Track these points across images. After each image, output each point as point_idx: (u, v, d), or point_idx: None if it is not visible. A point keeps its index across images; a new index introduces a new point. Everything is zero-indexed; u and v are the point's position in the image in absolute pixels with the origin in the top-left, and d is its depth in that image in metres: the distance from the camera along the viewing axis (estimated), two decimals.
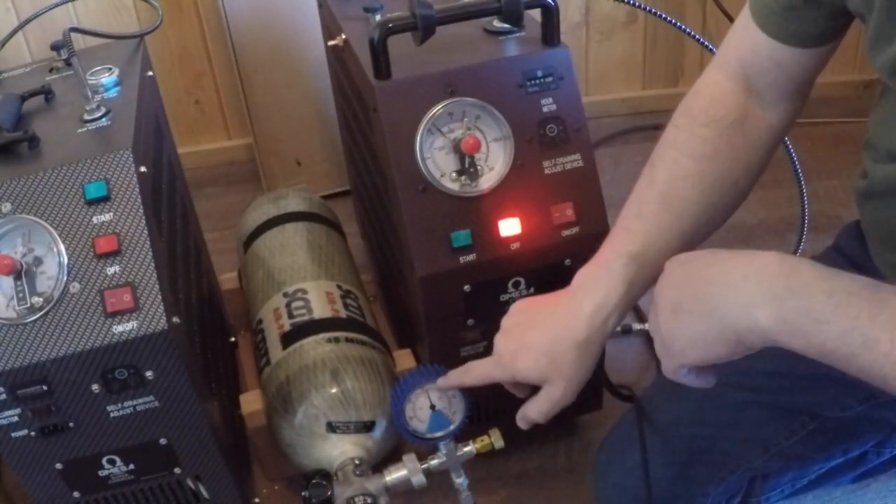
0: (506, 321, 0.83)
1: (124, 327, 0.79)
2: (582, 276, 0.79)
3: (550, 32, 0.98)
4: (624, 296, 0.76)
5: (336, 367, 1.04)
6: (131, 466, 0.90)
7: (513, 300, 1.02)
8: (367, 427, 1.02)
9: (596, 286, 0.77)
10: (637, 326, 1.40)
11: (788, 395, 0.83)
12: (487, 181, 0.97)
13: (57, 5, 1.19)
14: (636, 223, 0.78)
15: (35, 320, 0.79)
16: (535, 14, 0.99)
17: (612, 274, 0.76)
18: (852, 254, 0.85)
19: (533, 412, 0.80)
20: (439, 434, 0.92)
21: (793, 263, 0.58)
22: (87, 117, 0.90)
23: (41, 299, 0.79)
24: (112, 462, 0.89)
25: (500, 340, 0.82)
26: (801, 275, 0.57)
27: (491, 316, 1.03)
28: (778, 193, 1.69)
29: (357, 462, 0.97)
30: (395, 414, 0.92)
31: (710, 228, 0.80)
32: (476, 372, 0.86)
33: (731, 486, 0.89)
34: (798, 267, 0.58)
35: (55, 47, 1.01)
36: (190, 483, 0.94)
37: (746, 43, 0.77)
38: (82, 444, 0.86)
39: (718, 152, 0.78)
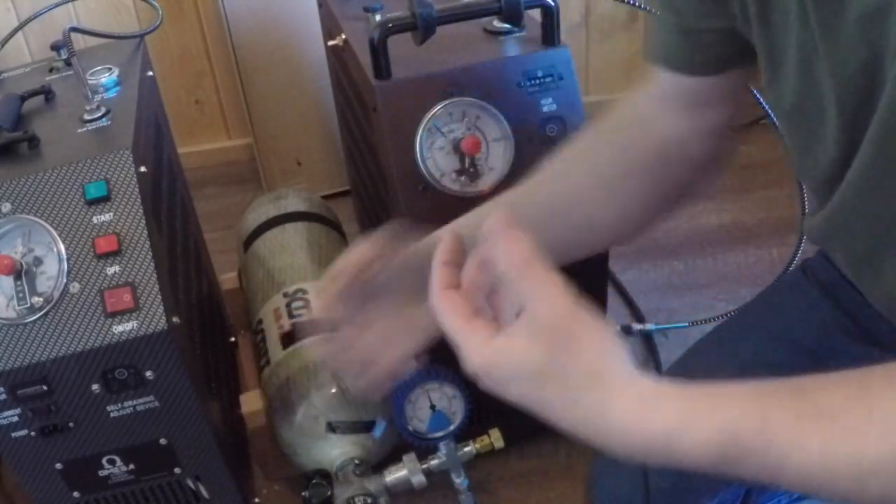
0: None
1: (124, 327, 0.79)
2: None
3: (550, 32, 0.98)
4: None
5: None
6: (131, 466, 0.90)
7: None
8: (367, 427, 1.02)
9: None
10: (637, 327, 1.39)
11: None
12: (487, 181, 0.97)
13: (57, 5, 1.19)
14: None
15: (35, 320, 0.79)
16: (535, 14, 0.99)
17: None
18: (824, 278, 0.81)
19: None
20: (439, 434, 0.92)
21: (653, 402, 0.44)
22: (87, 117, 0.90)
23: (41, 299, 0.79)
24: (112, 462, 0.89)
25: None
26: (656, 419, 0.43)
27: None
28: (778, 193, 1.69)
29: (357, 462, 0.97)
30: (395, 414, 0.92)
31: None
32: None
33: (727, 498, 0.89)
34: (656, 412, 0.44)
35: (55, 47, 1.01)
36: (190, 483, 0.94)
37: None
38: (82, 444, 0.86)
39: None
